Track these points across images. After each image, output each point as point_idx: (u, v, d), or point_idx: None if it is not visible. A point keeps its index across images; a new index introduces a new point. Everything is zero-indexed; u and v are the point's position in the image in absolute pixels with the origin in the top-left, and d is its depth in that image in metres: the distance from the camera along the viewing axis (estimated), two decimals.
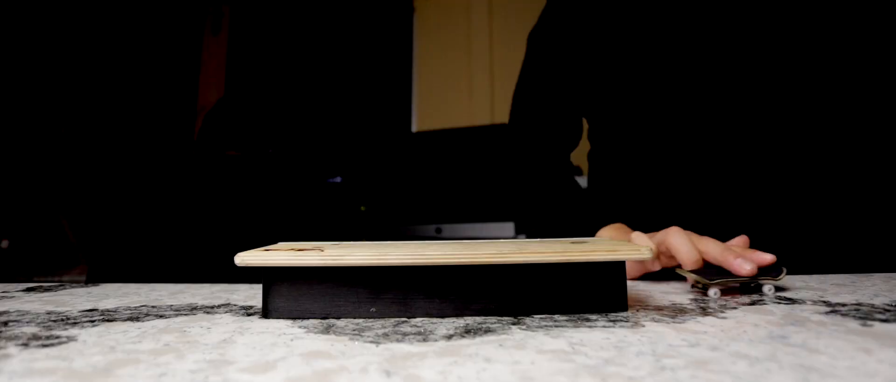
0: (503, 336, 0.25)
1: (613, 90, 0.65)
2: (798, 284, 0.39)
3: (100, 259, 1.71)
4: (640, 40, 0.62)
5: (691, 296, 0.35)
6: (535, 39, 0.74)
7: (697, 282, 0.37)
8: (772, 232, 0.56)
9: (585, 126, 0.75)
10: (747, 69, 0.57)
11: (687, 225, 0.58)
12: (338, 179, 2.12)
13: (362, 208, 2.10)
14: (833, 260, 0.54)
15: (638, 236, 0.48)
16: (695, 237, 0.43)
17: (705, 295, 0.36)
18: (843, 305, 0.31)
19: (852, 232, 0.56)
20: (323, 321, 0.29)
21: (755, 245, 0.57)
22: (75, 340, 0.25)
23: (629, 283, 0.41)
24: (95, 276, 1.73)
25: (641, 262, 0.48)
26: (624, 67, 0.63)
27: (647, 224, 0.57)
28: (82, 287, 0.44)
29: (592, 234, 0.58)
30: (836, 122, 0.57)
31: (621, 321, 0.28)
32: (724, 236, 0.52)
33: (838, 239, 0.56)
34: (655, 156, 0.62)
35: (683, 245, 0.42)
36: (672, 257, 0.44)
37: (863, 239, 0.56)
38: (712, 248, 0.41)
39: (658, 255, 0.46)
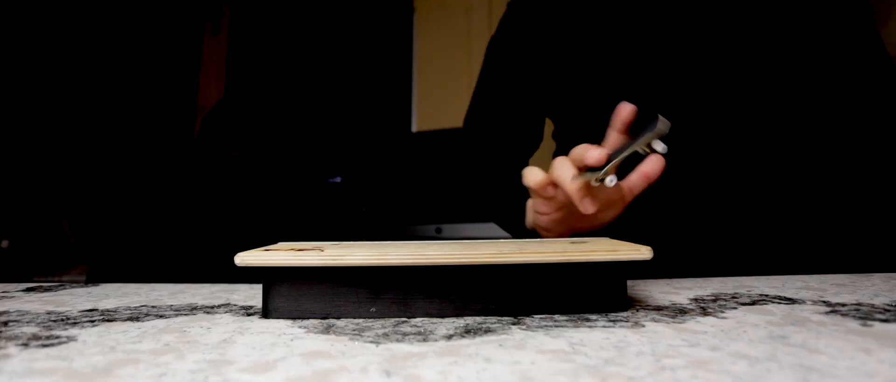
0: (503, 336, 0.25)
1: (575, 93, 0.65)
2: (798, 284, 0.39)
3: (100, 259, 1.71)
4: (601, 43, 0.62)
5: (691, 296, 0.35)
6: (495, 47, 0.74)
7: (593, 179, 0.38)
8: (771, 231, 0.56)
9: (551, 127, 0.75)
10: (736, 66, 0.57)
11: (669, 227, 0.59)
12: (338, 179, 2.12)
13: (363, 208, 2.10)
14: (833, 260, 0.54)
15: (529, 170, 0.48)
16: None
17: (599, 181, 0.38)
18: (843, 305, 0.31)
19: (852, 232, 0.56)
20: (323, 321, 0.29)
21: (752, 243, 0.57)
22: (75, 340, 0.25)
23: (629, 283, 0.41)
24: (95, 276, 1.73)
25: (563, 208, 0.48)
26: (585, 70, 0.64)
27: (619, 226, 0.57)
28: (82, 287, 0.44)
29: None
30: (837, 121, 0.57)
31: (621, 321, 0.28)
32: (714, 237, 0.53)
33: (838, 239, 0.56)
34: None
35: (560, 166, 0.43)
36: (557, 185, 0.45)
37: (863, 239, 0.56)
38: (576, 151, 0.42)
39: (546, 186, 0.46)
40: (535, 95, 0.70)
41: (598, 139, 0.63)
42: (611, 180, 0.35)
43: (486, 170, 0.71)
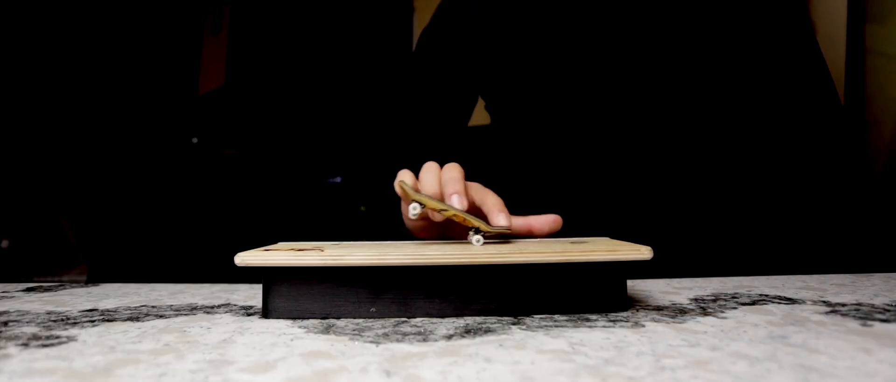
0: (503, 336, 0.25)
1: (506, 78, 0.65)
2: (798, 284, 0.39)
3: (100, 258, 1.71)
4: (533, 28, 0.62)
5: (691, 296, 0.35)
6: (429, 38, 0.74)
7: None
8: (771, 231, 0.56)
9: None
10: (734, 65, 0.57)
11: (669, 227, 0.59)
12: (338, 179, 2.12)
13: (362, 208, 2.09)
14: (833, 260, 0.54)
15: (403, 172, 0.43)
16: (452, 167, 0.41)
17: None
18: (843, 305, 0.31)
19: (852, 232, 0.56)
20: (323, 321, 0.29)
21: (752, 243, 0.57)
22: (75, 340, 0.25)
23: (629, 283, 0.41)
24: (96, 276, 1.73)
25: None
26: (516, 56, 0.63)
27: (619, 226, 0.57)
28: (82, 287, 0.44)
29: None
30: (837, 121, 0.57)
31: (621, 321, 0.28)
32: (714, 237, 0.52)
33: (838, 239, 0.56)
34: (558, 146, 0.63)
35: (427, 175, 0.40)
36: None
37: (863, 239, 0.56)
38: (449, 173, 0.39)
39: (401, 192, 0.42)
40: (466, 87, 0.70)
41: (539, 121, 0.63)
42: (477, 241, 0.33)
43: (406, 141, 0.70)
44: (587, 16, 0.60)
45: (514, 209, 0.58)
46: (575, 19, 0.60)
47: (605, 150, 0.62)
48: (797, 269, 0.50)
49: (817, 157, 0.57)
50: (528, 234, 0.44)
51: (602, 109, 0.60)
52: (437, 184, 0.40)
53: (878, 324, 0.26)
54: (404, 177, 0.40)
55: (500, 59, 0.65)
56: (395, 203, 0.56)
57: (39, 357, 0.22)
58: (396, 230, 0.60)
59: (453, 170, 0.40)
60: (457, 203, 0.35)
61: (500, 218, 0.36)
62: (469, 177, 0.44)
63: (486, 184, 0.48)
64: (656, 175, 0.62)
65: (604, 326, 0.27)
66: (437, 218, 0.36)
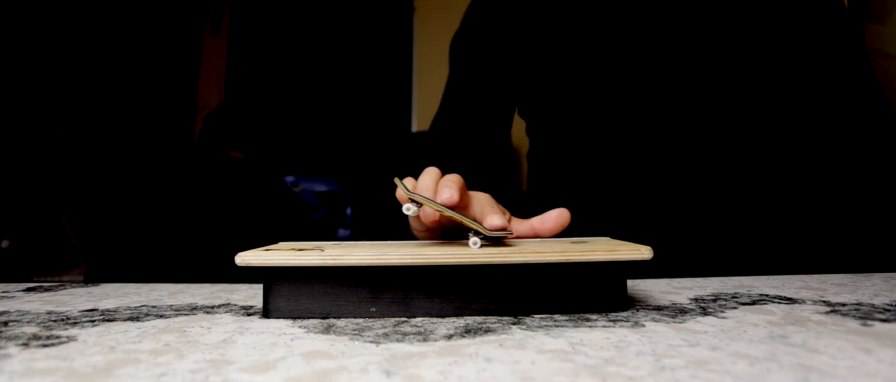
0: (503, 336, 0.25)
1: (543, 88, 0.65)
2: (798, 284, 0.39)
3: (100, 258, 1.71)
4: (568, 36, 0.62)
5: (692, 296, 0.35)
6: (459, 45, 0.73)
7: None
8: (771, 231, 0.56)
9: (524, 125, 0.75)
10: (735, 66, 0.57)
11: (669, 227, 0.59)
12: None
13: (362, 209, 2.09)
14: (833, 260, 0.54)
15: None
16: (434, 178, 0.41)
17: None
18: (843, 305, 0.31)
19: (852, 232, 0.56)
20: (323, 321, 0.29)
21: (752, 243, 0.57)
22: (75, 340, 0.25)
23: (629, 283, 0.41)
24: (95, 276, 1.73)
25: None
26: (552, 65, 0.63)
27: (619, 226, 0.57)
28: (82, 287, 0.44)
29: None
30: (837, 122, 0.57)
31: (621, 321, 0.28)
32: (714, 237, 0.52)
33: (838, 239, 0.56)
34: (602, 153, 0.62)
35: (424, 178, 0.41)
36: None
37: (863, 239, 0.56)
38: (426, 180, 0.39)
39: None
40: (503, 92, 0.69)
41: (572, 134, 0.63)
42: (474, 244, 0.33)
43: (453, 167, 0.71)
44: (605, 15, 0.60)
45: (514, 208, 0.58)
46: (598, 19, 0.61)
47: (606, 150, 0.62)
48: (797, 269, 0.50)
49: (856, 156, 0.57)
50: (534, 237, 0.44)
51: (605, 109, 0.60)
52: (434, 186, 0.40)
53: (878, 324, 0.26)
54: (405, 181, 0.40)
55: (528, 61, 0.65)
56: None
57: (39, 357, 0.22)
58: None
59: (453, 176, 0.40)
60: (446, 194, 0.35)
61: (493, 218, 0.35)
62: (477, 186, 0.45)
63: (488, 182, 0.47)
64: (656, 175, 0.62)
65: (604, 326, 0.27)
66: (430, 217, 0.35)
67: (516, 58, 0.67)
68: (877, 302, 0.32)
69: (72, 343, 0.24)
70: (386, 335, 0.26)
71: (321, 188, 2.11)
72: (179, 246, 1.70)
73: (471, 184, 0.65)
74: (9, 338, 0.25)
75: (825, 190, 0.56)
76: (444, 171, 0.69)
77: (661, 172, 0.61)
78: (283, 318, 0.30)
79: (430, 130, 0.76)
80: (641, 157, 0.59)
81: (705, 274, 0.51)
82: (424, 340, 0.24)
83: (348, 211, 2.13)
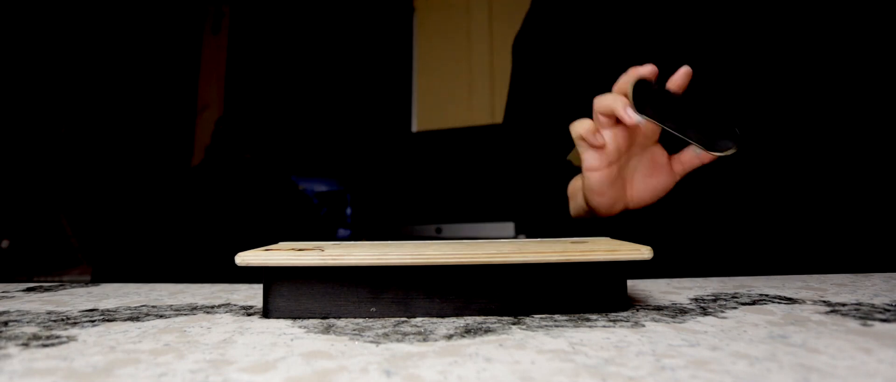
0: (503, 336, 0.25)
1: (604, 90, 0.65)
2: (798, 284, 0.39)
3: (104, 259, 1.71)
4: (630, 40, 0.62)
5: (691, 296, 0.35)
6: (521, 46, 0.73)
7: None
8: (771, 231, 0.56)
9: None
10: (742, 67, 0.57)
11: (669, 227, 0.58)
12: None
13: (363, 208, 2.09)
14: (833, 260, 0.54)
15: (578, 121, 0.49)
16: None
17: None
18: (843, 305, 0.31)
19: (852, 232, 0.56)
20: (323, 321, 0.29)
21: (752, 243, 0.57)
22: (75, 340, 0.25)
23: (629, 283, 0.41)
24: (100, 276, 1.72)
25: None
26: (614, 67, 0.63)
27: (619, 226, 0.57)
28: (82, 287, 0.44)
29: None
30: (837, 122, 0.57)
31: (621, 321, 0.28)
32: (714, 237, 0.52)
33: (838, 239, 0.56)
34: None
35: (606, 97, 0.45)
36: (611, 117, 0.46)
37: (863, 239, 0.56)
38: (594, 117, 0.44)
39: (596, 132, 0.47)
40: (566, 91, 0.69)
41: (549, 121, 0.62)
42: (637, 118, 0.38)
43: (525, 169, 0.70)
44: (668, 18, 0.60)
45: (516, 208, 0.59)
46: (657, 24, 0.60)
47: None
48: (797, 269, 0.50)
49: (854, 155, 0.57)
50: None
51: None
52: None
53: (878, 324, 0.26)
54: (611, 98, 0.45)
55: (598, 74, 0.64)
56: (554, 206, 0.60)
57: (39, 357, 0.22)
58: (563, 227, 0.61)
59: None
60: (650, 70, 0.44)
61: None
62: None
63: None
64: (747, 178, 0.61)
65: (604, 326, 0.27)
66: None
67: (577, 57, 0.66)
68: (877, 302, 0.32)
69: (72, 343, 0.24)
70: (386, 335, 0.26)
71: (321, 188, 2.12)
72: (179, 246, 1.70)
73: (544, 179, 0.65)
74: (9, 338, 0.25)
75: (825, 190, 0.56)
76: (519, 172, 0.68)
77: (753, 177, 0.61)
78: (283, 318, 0.30)
79: (503, 130, 0.76)
80: (732, 161, 0.59)
81: (705, 274, 0.51)
82: (424, 340, 0.24)
83: (348, 211, 2.13)
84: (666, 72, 0.60)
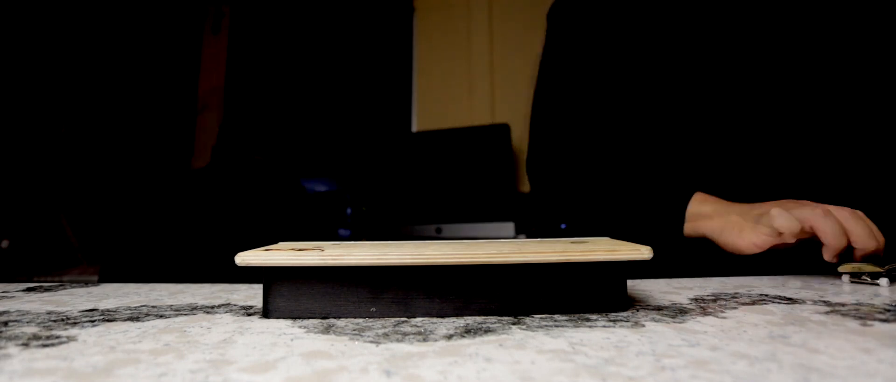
0: (503, 336, 0.25)
1: (631, 86, 0.62)
2: (798, 284, 0.39)
3: (111, 258, 1.71)
4: (661, 38, 0.61)
5: (691, 296, 0.35)
6: (558, 16, 0.68)
7: (859, 273, 0.39)
8: None
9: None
10: (743, 69, 0.57)
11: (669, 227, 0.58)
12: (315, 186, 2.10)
13: (364, 208, 2.09)
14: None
15: (778, 213, 0.45)
16: (837, 213, 0.43)
17: (873, 283, 0.38)
18: (843, 305, 0.31)
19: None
20: (323, 321, 0.29)
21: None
22: (75, 340, 0.25)
23: (629, 283, 0.41)
24: (108, 276, 1.72)
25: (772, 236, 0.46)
26: (643, 63, 0.61)
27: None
28: (82, 287, 0.44)
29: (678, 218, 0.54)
30: (839, 122, 0.57)
31: (621, 321, 0.28)
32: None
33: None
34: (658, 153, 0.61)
35: (830, 227, 0.42)
36: (807, 233, 0.43)
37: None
38: (859, 230, 0.41)
39: (798, 233, 0.44)
40: (599, 75, 0.64)
41: (580, 135, 0.60)
42: (886, 282, 0.38)
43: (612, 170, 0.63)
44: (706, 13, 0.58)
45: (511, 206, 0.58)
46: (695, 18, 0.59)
47: (609, 150, 0.62)
48: (797, 269, 0.50)
49: (854, 155, 0.56)
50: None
51: (619, 112, 0.60)
52: (843, 235, 0.42)
53: (878, 324, 0.26)
54: (834, 239, 0.42)
55: (625, 68, 0.62)
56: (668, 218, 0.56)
57: (39, 357, 0.22)
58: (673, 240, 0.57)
59: (859, 223, 0.43)
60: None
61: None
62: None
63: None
64: (656, 175, 0.62)
65: (604, 326, 0.27)
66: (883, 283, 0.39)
67: (608, 44, 0.63)
68: (877, 302, 0.32)
69: (72, 343, 0.24)
70: (386, 335, 0.26)
71: (321, 188, 2.12)
72: (179, 246, 1.70)
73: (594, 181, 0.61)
74: (9, 338, 0.25)
75: (825, 189, 0.56)
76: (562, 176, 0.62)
77: (661, 172, 0.61)
78: (283, 318, 0.30)
79: (534, 126, 0.70)
80: (642, 157, 0.59)
81: (705, 274, 0.51)
82: (424, 340, 0.24)
83: (348, 211, 2.13)
84: (680, 67, 0.58)
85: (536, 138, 0.69)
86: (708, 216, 0.52)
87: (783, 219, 0.44)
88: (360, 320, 0.29)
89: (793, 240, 0.44)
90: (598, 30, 0.64)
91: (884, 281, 0.37)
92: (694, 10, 0.60)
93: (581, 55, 0.65)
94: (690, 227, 0.54)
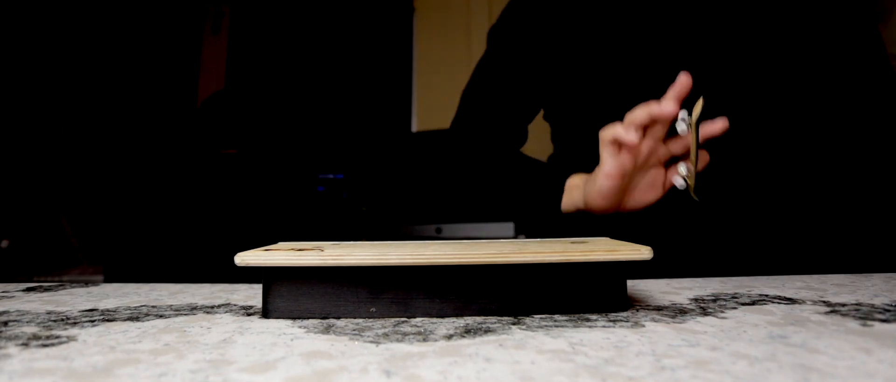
0: (503, 336, 0.25)
1: (574, 91, 0.65)
2: (798, 284, 0.39)
3: (115, 258, 1.71)
4: (603, 41, 0.62)
5: (691, 296, 0.35)
6: (497, 36, 0.73)
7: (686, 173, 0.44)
8: (771, 231, 0.56)
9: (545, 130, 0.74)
10: (736, 67, 0.57)
11: (669, 227, 0.59)
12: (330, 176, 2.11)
13: (364, 208, 2.10)
14: (833, 260, 0.54)
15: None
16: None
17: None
18: (843, 305, 0.31)
19: (852, 232, 0.56)
20: (323, 321, 0.29)
21: (752, 243, 0.57)
22: (75, 340, 0.25)
23: (629, 283, 0.41)
24: (112, 276, 1.72)
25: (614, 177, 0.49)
26: (584, 68, 0.63)
27: (619, 226, 0.57)
28: (82, 287, 0.44)
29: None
30: (838, 122, 0.57)
31: (621, 321, 0.28)
32: (714, 237, 0.52)
33: (838, 239, 0.56)
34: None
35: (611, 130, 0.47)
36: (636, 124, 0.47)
37: (863, 239, 0.56)
38: (638, 113, 0.46)
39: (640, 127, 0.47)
40: (531, 88, 0.70)
41: (584, 135, 0.63)
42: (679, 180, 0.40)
43: (490, 161, 0.70)
44: (640, 23, 0.60)
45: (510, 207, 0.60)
46: (632, 28, 0.61)
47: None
48: (797, 269, 0.50)
49: (854, 156, 0.57)
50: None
51: (615, 111, 0.60)
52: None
53: (878, 324, 0.26)
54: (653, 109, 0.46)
55: (567, 72, 0.65)
56: (545, 196, 0.61)
57: (39, 357, 0.22)
58: (549, 220, 0.62)
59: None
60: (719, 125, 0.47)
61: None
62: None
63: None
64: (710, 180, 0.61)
65: (604, 326, 0.27)
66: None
67: (549, 56, 0.67)
68: (877, 302, 0.32)
69: (72, 343, 0.24)
70: (386, 335, 0.26)
71: (320, 187, 2.12)
72: (179, 246, 1.70)
73: (487, 178, 0.66)
74: (9, 338, 0.25)
75: (825, 190, 0.56)
76: (480, 161, 0.69)
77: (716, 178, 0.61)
78: (283, 318, 0.30)
79: (456, 121, 0.76)
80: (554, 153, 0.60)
81: (705, 274, 0.52)
82: (424, 340, 0.24)
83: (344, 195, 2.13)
84: (643, 72, 0.60)
85: (459, 122, 0.75)
86: (577, 185, 0.57)
87: (605, 131, 0.49)
88: (360, 320, 0.29)
89: (633, 139, 0.47)
90: (536, 47, 0.68)
91: (679, 180, 0.42)
92: (624, 32, 0.61)
93: (516, 66, 0.70)
94: (567, 199, 0.58)
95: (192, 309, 0.33)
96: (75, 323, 0.29)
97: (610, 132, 0.48)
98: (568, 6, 0.66)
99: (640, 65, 0.60)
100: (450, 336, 0.25)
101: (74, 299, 0.38)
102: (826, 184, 0.56)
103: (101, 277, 1.77)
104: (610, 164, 0.49)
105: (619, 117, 0.60)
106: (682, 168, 0.49)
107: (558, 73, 0.66)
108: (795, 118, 0.56)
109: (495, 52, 0.73)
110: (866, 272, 0.47)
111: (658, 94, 0.59)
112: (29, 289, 0.43)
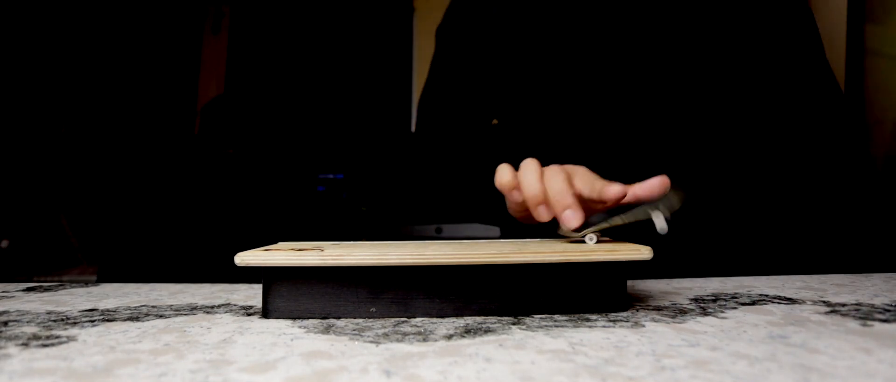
0: (503, 336, 0.25)
1: (519, 89, 0.65)
2: (798, 284, 0.39)
3: (109, 258, 1.71)
4: (545, 38, 0.62)
5: (691, 296, 0.35)
6: (444, 35, 0.73)
7: (571, 235, 0.35)
8: (771, 231, 0.56)
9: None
10: (734, 67, 0.57)
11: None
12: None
13: (364, 208, 2.10)
14: (833, 260, 0.54)
15: (500, 170, 0.42)
16: (556, 171, 0.39)
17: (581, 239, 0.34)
18: (843, 305, 0.31)
19: (852, 232, 0.56)
20: (323, 321, 0.29)
21: (752, 243, 0.57)
22: (75, 340, 0.25)
23: (629, 283, 0.41)
24: (105, 276, 1.72)
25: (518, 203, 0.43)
26: (528, 66, 0.63)
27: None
28: (82, 287, 0.44)
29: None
30: (838, 122, 0.57)
31: (621, 321, 0.28)
32: (714, 237, 0.52)
33: (838, 239, 0.56)
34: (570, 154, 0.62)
35: (527, 176, 0.39)
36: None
37: (863, 239, 0.56)
38: (553, 183, 0.37)
39: (513, 190, 0.41)
40: (484, 85, 0.69)
41: (540, 141, 0.63)
42: (590, 239, 0.33)
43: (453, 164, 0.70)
44: (585, 16, 0.60)
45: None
46: (577, 21, 0.61)
47: (603, 149, 0.62)
48: (797, 269, 0.50)
49: (821, 156, 0.57)
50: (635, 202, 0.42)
51: (602, 108, 0.60)
52: (540, 185, 0.38)
53: (878, 324, 0.26)
54: (506, 175, 0.39)
55: (511, 61, 0.65)
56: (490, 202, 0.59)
57: (39, 357, 0.22)
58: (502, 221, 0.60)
59: (557, 177, 0.38)
60: (573, 222, 0.35)
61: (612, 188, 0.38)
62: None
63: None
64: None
65: (604, 326, 0.27)
66: (589, 240, 0.35)
67: (492, 56, 0.67)
68: (877, 302, 0.32)
69: (72, 343, 0.24)
70: (386, 335, 0.26)
71: (320, 187, 2.12)
72: (179, 246, 1.70)
73: (460, 181, 0.66)
74: (9, 338, 0.25)
75: (826, 190, 0.56)
76: (435, 162, 0.70)
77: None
78: (283, 318, 0.30)
79: (418, 118, 0.76)
80: (641, 158, 0.59)
81: (705, 274, 0.51)
82: (424, 340, 0.24)
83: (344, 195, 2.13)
84: (582, 68, 0.60)
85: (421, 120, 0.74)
86: None
87: (501, 173, 0.42)
88: (360, 320, 0.29)
89: (518, 198, 0.41)
90: (482, 44, 0.68)
91: (590, 238, 0.32)
92: (562, 29, 0.61)
93: (465, 63, 0.70)
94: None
95: (192, 309, 0.33)
96: (75, 323, 0.29)
97: (499, 180, 0.42)
98: (509, 3, 0.66)
99: (580, 63, 0.60)
100: (450, 337, 0.25)
101: (74, 299, 0.38)
102: (826, 184, 0.56)
103: (95, 277, 1.77)
104: (508, 199, 0.46)
105: (567, 117, 0.60)
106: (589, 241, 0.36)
107: (505, 70, 0.66)
108: (794, 117, 0.56)
109: (444, 50, 0.73)
110: (866, 272, 0.47)
111: (600, 92, 0.59)
112: (29, 289, 0.43)
